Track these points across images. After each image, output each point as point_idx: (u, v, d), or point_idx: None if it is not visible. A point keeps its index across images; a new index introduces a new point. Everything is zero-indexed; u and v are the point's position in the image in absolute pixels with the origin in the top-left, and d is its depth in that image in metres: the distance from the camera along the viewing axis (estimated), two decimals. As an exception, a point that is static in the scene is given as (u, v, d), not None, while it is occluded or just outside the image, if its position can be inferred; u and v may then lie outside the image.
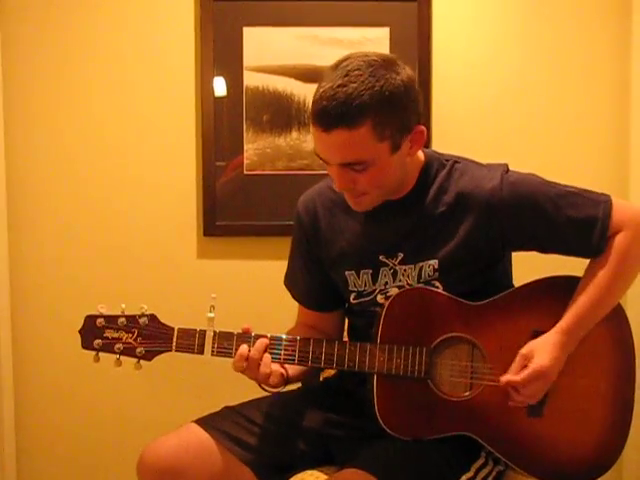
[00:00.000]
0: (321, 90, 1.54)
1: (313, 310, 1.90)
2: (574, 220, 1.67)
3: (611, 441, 1.72)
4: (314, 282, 1.87)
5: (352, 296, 1.79)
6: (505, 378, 1.62)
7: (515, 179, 1.69)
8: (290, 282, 1.94)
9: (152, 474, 1.71)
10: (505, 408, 1.66)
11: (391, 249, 1.73)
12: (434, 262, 1.69)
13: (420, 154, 1.73)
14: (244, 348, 1.67)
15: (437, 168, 1.73)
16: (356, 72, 1.54)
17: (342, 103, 1.51)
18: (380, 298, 1.75)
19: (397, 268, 1.73)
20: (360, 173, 1.59)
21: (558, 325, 1.65)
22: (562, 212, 1.66)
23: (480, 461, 1.69)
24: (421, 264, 1.71)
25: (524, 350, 1.64)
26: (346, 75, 1.53)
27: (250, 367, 1.67)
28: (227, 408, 1.82)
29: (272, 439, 1.76)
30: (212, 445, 1.72)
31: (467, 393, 1.67)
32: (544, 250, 1.74)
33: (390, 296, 1.72)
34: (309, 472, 1.74)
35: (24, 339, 2.50)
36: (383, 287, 1.75)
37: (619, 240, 1.66)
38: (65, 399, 2.52)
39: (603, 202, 1.68)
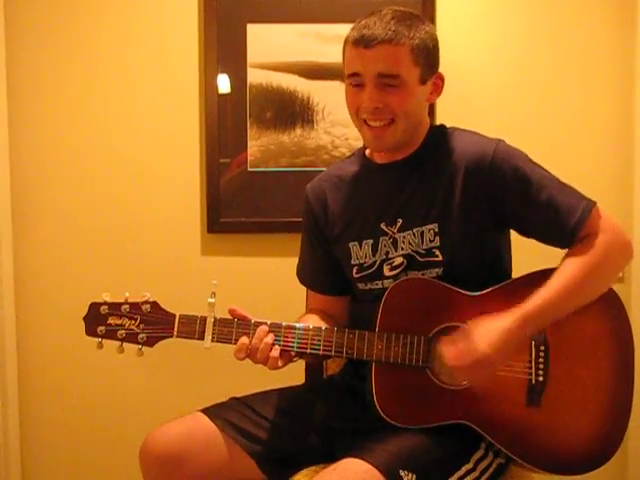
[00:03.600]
0: (364, 20, 1.74)
1: (322, 293, 1.99)
2: (554, 202, 1.73)
3: (610, 432, 1.76)
4: (322, 264, 1.97)
5: (354, 270, 1.86)
6: (451, 363, 1.66)
7: (508, 149, 1.79)
8: (299, 268, 2.04)
9: (154, 460, 1.77)
10: (503, 397, 1.72)
11: (391, 215, 1.81)
12: (434, 226, 1.77)
13: (427, 119, 1.86)
14: (244, 339, 1.75)
15: (441, 134, 1.84)
16: (394, 12, 1.76)
17: (387, 23, 1.72)
18: (386, 269, 1.82)
19: (396, 236, 1.80)
20: (392, 92, 1.73)
21: (517, 309, 1.66)
22: (545, 191, 1.73)
23: (480, 452, 1.74)
24: (421, 229, 1.78)
25: (471, 326, 1.66)
26: (385, 13, 1.74)
27: (252, 355, 1.75)
28: (234, 399, 1.89)
29: (278, 432, 1.83)
30: (217, 434, 1.79)
31: (465, 382, 1.71)
32: (521, 228, 1.80)
33: (396, 266, 1.80)
34: (313, 468, 1.80)
35: (28, 334, 2.57)
36: (385, 257, 1.82)
37: (598, 241, 1.71)
38: (68, 392, 2.59)
39: (587, 200, 1.75)
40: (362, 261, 1.86)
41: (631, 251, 1.77)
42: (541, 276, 1.75)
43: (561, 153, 2.48)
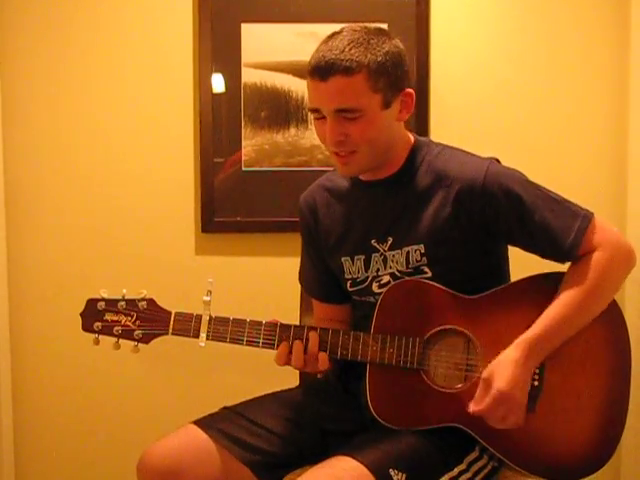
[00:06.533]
0: (319, 48, 1.71)
1: (325, 302, 2.01)
2: (548, 224, 1.73)
3: (605, 438, 1.76)
4: (321, 274, 1.98)
5: (348, 284, 1.88)
6: (472, 408, 1.67)
7: (500, 170, 1.78)
8: (301, 277, 2.06)
9: (152, 476, 1.78)
10: None
11: (382, 233, 1.82)
12: (420, 246, 1.77)
13: (410, 136, 1.85)
14: (285, 346, 1.78)
15: (426, 151, 1.83)
16: (352, 33, 1.72)
17: (340, 53, 1.68)
18: (375, 286, 1.84)
19: (387, 254, 1.81)
20: (352, 123, 1.71)
21: (522, 338, 1.68)
22: (539, 212, 1.73)
23: (474, 454, 1.75)
24: (407, 249, 1.79)
25: (485, 374, 1.67)
26: (343, 36, 1.71)
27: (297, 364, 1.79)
28: (226, 408, 1.90)
29: (272, 439, 1.84)
30: (211, 446, 1.80)
31: (460, 385, 1.74)
32: (517, 246, 1.81)
33: (384, 284, 1.81)
34: (306, 467, 1.77)
35: (22, 334, 2.59)
36: (376, 274, 1.83)
37: (597, 260, 1.71)
38: (63, 389, 2.61)
39: (582, 216, 1.74)
40: (355, 276, 1.87)
41: (634, 259, 1.77)
42: (539, 280, 1.77)
43: (555, 154, 2.50)
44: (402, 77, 1.75)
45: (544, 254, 1.78)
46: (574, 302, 1.70)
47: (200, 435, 1.81)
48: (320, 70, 1.69)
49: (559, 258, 1.76)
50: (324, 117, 1.74)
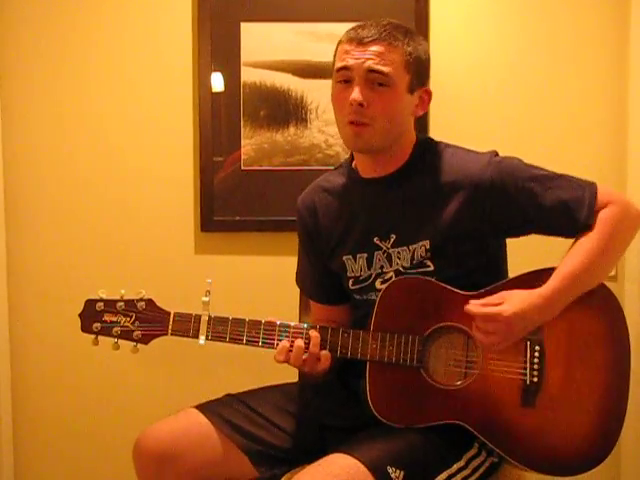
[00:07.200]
0: (354, 28, 1.79)
1: (323, 304, 2.01)
2: (561, 200, 1.76)
3: (604, 433, 1.77)
4: (320, 275, 1.99)
5: (350, 282, 1.89)
6: (470, 306, 1.69)
7: (502, 161, 1.80)
8: (299, 279, 2.06)
9: (148, 458, 1.79)
10: (498, 398, 1.74)
11: (384, 231, 1.83)
12: (426, 242, 1.78)
13: (413, 134, 1.86)
14: (285, 343, 1.78)
15: (428, 148, 1.85)
16: (392, 21, 1.80)
17: (381, 29, 1.76)
18: (378, 283, 1.84)
19: (390, 251, 1.82)
20: (378, 92, 1.74)
21: (540, 289, 1.70)
22: (549, 192, 1.76)
23: (473, 451, 1.76)
24: (414, 246, 1.80)
25: (505, 293, 1.70)
26: (377, 22, 1.77)
27: (296, 361, 1.78)
28: (229, 395, 1.91)
29: (272, 429, 1.86)
30: (211, 431, 1.81)
31: (459, 382, 1.75)
32: (533, 228, 1.82)
33: (387, 280, 1.82)
34: (305, 466, 1.77)
35: (21, 335, 2.60)
36: (380, 271, 1.84)
37: (607, 214, 1.75)
38: (63, 388, 2.62)
39: (589, 185, 1.78)
40: (357, 274, 1.88)
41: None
42: (537, 275, 1.77)
43: (555, 152, 2.49)
44: (427, 73, 1.84)
45: (561, 231, 1.80)
46: (589, 255, 1.73)
47: (200, 419, 1.83)
48: (360, 37, 1.74)
49: (575, 230, 1.77)
50: (349, 81, 1.76)
